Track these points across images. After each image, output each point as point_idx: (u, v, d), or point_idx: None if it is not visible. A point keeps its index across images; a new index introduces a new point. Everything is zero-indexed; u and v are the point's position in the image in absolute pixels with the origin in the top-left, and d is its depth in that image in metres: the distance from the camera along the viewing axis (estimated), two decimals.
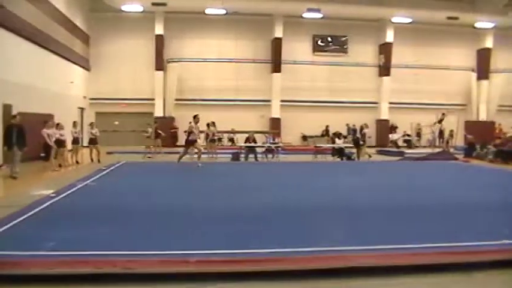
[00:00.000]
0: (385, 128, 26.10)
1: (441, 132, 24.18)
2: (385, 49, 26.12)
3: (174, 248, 4.98)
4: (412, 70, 26.46)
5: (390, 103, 26.31)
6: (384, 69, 26.08)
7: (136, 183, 10.92)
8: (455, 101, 26.88)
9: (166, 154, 19.14)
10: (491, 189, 10.63)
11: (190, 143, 14.39)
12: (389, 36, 26.01)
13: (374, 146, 24.75)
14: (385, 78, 26.19)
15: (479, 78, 27.32)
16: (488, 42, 27.15)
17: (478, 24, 26.16)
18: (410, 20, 25.44)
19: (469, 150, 21.29)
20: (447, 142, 23.24)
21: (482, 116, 27.38)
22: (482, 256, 4.88)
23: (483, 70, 27.25)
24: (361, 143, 20.29)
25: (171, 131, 23.37)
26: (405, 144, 25.55)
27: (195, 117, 14.40)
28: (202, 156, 16.60)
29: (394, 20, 25.61)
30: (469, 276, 4.53)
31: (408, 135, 25.90)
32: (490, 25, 26.21)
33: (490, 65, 27.44)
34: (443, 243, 5.35)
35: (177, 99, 24.75)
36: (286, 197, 8.76)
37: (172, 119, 24.44)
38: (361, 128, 21.13)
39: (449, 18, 25.11)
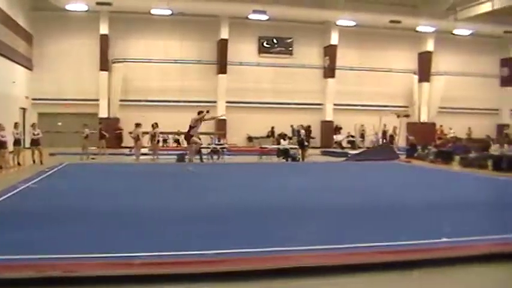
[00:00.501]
0: (329, 129, 27.64)
1: (384, 133, 25.99)
2: (330, 51, 27.73)
3: (120, 250, 5.05)
4: (356, 72, 28.25)
5: (335, 104, 27.95)
6: (329, 71, 27.66)
7: (79, 184, 11.21)
8: (397, 103, 28.71)
9: (110, 155, 20.13)
10: (431, 189, 11.59)
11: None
12: (334, 38, 27.60)
13: (319, 147, 26.22)
14: (329, 80, 27.80)
15: (420, 80, 29.30)
16: (430, 46, 29.14)
17: (419, 28, 28.10)
18: (354, 23, 27.12)
19: (410, 150, 22.93)
20: (392, 137, 24.86)
21: (424, 118, 29.32)
22: (422, 254, 5.15)
23: (424, 73, 29.26)
24: (306, 144, 21.60)
25: (115, 132, 24.13)
26: (349, 145, 27.07)
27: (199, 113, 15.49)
28: (145, 157, 17.81)
29: (339, 22, 27.25)
30: (407, 275, 4.82)
31: (352, 136, 27.53)
32: (431, 29, 28.17)
33: (431, 68, 29.34)
34: (384, 242, 5.58)
35: (122, 100, 25.58)
36: (233, 198, 9.25)
37: (117, 120, 25.26)
38: (298, 130, 22.46)
39: (392, 21, 26.95)
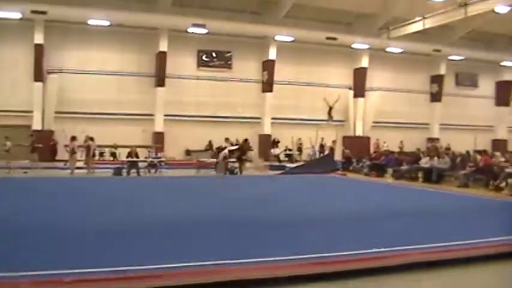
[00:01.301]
0: (267, 142, 29.72)
1: (322, 147, 28.41)
2: (268, 66, 30.04)
3: (51, 267, 5.16)
4: (293, 87, 30.78)
5: (272, 118, 30.32)
6: (267, 86, 29.91)
7: (9, 200, 11.29)
8: (334, 117, 31.07)
9: (44, 169, 20.94)
10: (364, 200, 13.09)
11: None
12: (272, 53, 29.92)
13: (251, 161, 28.04)
14: (267, 94, 30.11)
15: (355, 95, 32.23)
16: (364, 62, 32.11)
17: (354, 45, 30.95)
18: (292, 39, 29.56)
19: (346, 164, 25.23)
20: (332, 150, 27.20)
21: (359, 132, 32.07)
22: (354, 264, 5.72)
23: (359, 88, 32.24)
24: (244, 157, 23.36)
25: (50, 144, 24.95)
26: (287, 159, 29.23)
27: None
28: (80, 171, 19.02)
29: (277, 38, 29.61)
30: (343, 284, 5.33)
31: (290, 150, 29.75)
32: (365, 46, 31.03)
33: (366, 84, 32.19)
34: (321, 253, 6.07)
35: (57, 112, 26.43)
36: (164, 212, 9.87)
37: (51, 132, 26.06)
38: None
39: (329, 38, 29.62)
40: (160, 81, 27.98)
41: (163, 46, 27.97)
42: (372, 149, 30.33)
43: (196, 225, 8.45)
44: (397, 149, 29.48)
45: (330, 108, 26.95)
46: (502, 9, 24.51)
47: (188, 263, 5.56)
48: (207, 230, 7.97)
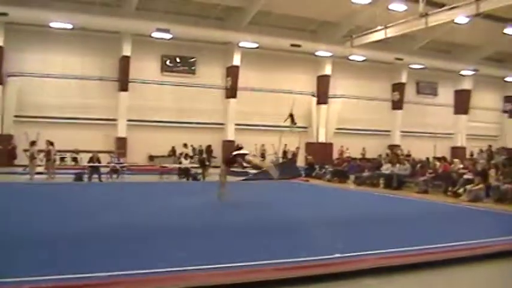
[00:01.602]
0: (230, 148, 30.21)
1: (285, 153, 29.27)
2: (232, 72, 30.88)
3: (6, 275, 5.16)
4: (257, 93, 31.60)
5: (236, 124, 31.11)
6: (231, 92, 30.74)
7: None
8: (298, 124, 32.05)
9: (1, 174, 20.93)
10: (326, 206, 13.59)
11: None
12: (237, 59, 30.78)
13: (219, 167, 28.58)
14: (231, 100, 30.90)
15: (319, 102, 33.43)
16: (328, 70, 33.32)
17: (318, 53, 32.09)
18: (256, 45, 30.39)
19: (309, 170, 26.18)
20: (294, 155, 28.06)
21: (322, 138, 33.09)
22: (314, 270, 5.91)
23: (323, 95, 33.43)
24: (207, 163, 24.00)
25: (8, 149, 25.01)
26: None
27: None
28: (40, 176, 19.24)
29: (241, 44, 30.44)
30: None
31: (253, 156, 30.42)
32: (329, 54, 32.15)
33: (329, 91, 33.26)
34: (283, 259, 6.26)
35: (16, 116, 26.51)
36: (127, 218, 9.91)
37: (10, 136, 26.14)
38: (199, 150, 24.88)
39: (293, 45, 30.64)
40: (123, 86, 28.40)
41: (126, 50, 28.39)
42: (336, 155, 31.30)
43: (169, 231, 8.61)
44: (359, 156, 30.68)
45: (291, 115, 27.64)
46: (461, 19, 25.95)
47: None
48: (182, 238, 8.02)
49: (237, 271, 5.78)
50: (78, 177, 20.77)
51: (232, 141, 30.76)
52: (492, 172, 16.70)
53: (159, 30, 27.68)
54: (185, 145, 26.02)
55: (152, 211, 11.28)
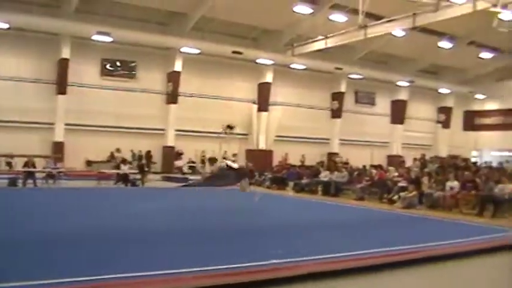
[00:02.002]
0: (170, 154, 31.11)
1: (224, 160, 30.13)
2: (173, 77, 31.59)
3: None
4: (198, 99, 32.53)
5: (176, 130, 31.83)
6: (172, 97, 31.41)
7: None
8: (238, 131, 33.14)
9: None
10: (264, 213, 14.07)
11: None
12: (178, 65, 31.53)
13: (159, 172, 29.43)
14: (172, 105, 31.59)
15: (259, 110, 34.64)
16: (269, 77, 34.64)
17: (259, 60, 33.27)
18: (198, 51, 31.16)
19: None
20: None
21: (262, 145, 34.22)
22: (252, 276, 6.21)
23: (263, 102, 34.64)
24: (146, 169, 24.61)
25: None
26: (190, 171, 30.76)
27: None
28: None
29: (183, 50, 31.13)
30: None
31: (193, 162, 31.31)
32: (270, 62, 33.40)
33: (270, 98, 34.55)
34: (219, 265, 6.54)
35: None
36: (65, 224, 10.17)
37: None
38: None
39: (235, 52, 31.65)
40: (61, 89, 28.43)
41: (65, 53, 28.45)
42: (277, 162, 32.40)
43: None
44: (298, 163, 32.00)
45: (229, 127, 28.45)
46: (398, 32, 27.91)
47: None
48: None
49: (173, 278, 6.04)
50: (12, 182, 20.93)
51: (172, 147, 31.56)
52: (425, 180, 17.98)
53: (99, 33, 27.87)
54: (118, 150, 26.43)
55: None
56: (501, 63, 39.42)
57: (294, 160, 32.69)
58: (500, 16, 22.25)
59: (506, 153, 39.01)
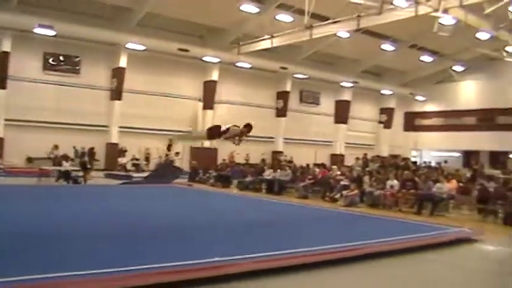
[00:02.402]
0: (114, 151, 31.53)
1: (167, 157, 30.88)
2: (118, 73, 32.07)
3: None
4: (144, 96, 33.07)
5: (120, 127, 32.32)
6: (116, 93, 31.89)
7: None
8: (183, 128, 33.86)
9: None
10: (207, 210, 14.49)
11: None
12: (123, 61, 32.01)
13: (103, 170, 29.81)
14: (116, 102, 32.04)
15: (205, 107, 35.38)
16: (215, 75, 35.66)
17: (206, 58, 34.08)
18: (144, 48, 31.67)
19: (192, 174, 27.97)
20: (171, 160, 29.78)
21: (206, 143, 34.95)
22: (193, 274, 6.27)
23: (209, 100, 35.57)
24: (89, 166, 24.94)
25: None
26: (134, 168, 31.26)
27: None
28: None
29: (128, 46, 31.56)
30: None
31: (137, 159, 31.86)
32: (216, 60, 34.30)
33: (215, 96, 35.40)
34: (158, 263, 6.60)
35: None
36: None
37: None
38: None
39: (181, 49, 32.27)
40: (1, 84, 28.32)
41: (6, 46, 28.34)
42: (221, 160, 33.22)
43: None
44: (243, 161, 33.06)
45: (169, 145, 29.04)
46: (343, 34, 29.40)
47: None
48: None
49: (103, 278, 5.98)
50: None
51: (116, 144, 31.95)
52: (366, 179, 19.01)
53: (41, 26, 27.81)
54: (56, 146, 26.57)
55: None
56: (440, 66, 42.24)
57: (239, 158, 33.67)
58: (440, 21, 23.85)
59: (445, 154, 41.64)
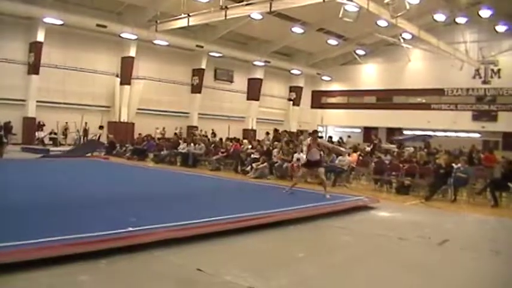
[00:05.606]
0: (31, 125, 31.29)
1: (85, 131, 31.16)
2: (35, 48, 31.50)
3: None
4: (61, 71, 32.91)
5: (38, 101, 31.89)
6: (33, 68, 31.44)
7: None
8: (100, 103, 34.42)
9: None
10: (124, 183, 14.39)
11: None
12: (40, 35, 31.48)
13: (20, 144, 29.54)
14: (33, 76, 31.65)
15: (122, 83, 35.81)
16: (132, 52, 35.90)
17: (123, 35, 34.30)
18: (61, 22, 31.37)
19: (109, 148, 28.39)
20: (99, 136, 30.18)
21: (124, 118, 35.59)
22: (109, 243, 6.36)
23: (126, 76, 35.91)
24: (5, 140, 24.74)
25: None
26: (51, 142, 31.20)
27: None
28: None
29: (46, 20, 30.99)
30: (95, 263, 5.86)
31: (55, 134, 31.81)
32: (133, 36, 34.54)
33: (133, 72, 35.75)
34: (74, 234, 6.54)
35: None
36: None
37: None
38: None
39: (99, 25, 32.33)
40: None
41: None
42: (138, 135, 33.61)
43: None
44: (159, 135, 33.80)
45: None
46: (256, 15, 30.51)
47: None
48: None
49: (25, 249, 5.88)
50: None
51: (33, 119, 31.66)
52: (275, 152, 19.29)
53: None
54: None
55: None
56: (345, 49, 44.95)
57: (155, 132, 34.45)
58: (345, 7, 25.32)
59: (348, 129, 44.51)
